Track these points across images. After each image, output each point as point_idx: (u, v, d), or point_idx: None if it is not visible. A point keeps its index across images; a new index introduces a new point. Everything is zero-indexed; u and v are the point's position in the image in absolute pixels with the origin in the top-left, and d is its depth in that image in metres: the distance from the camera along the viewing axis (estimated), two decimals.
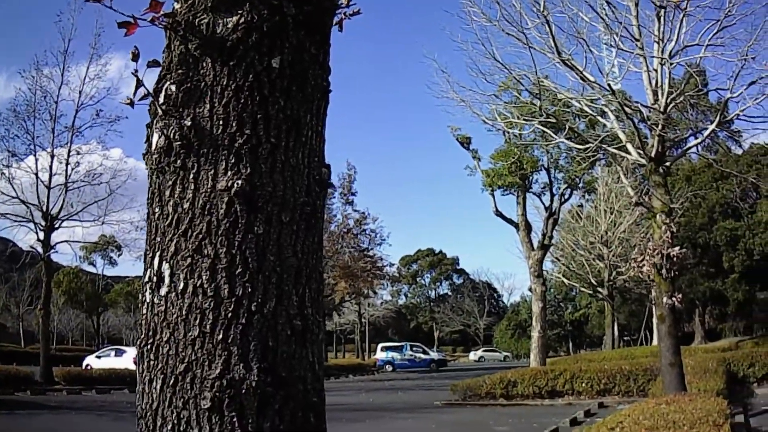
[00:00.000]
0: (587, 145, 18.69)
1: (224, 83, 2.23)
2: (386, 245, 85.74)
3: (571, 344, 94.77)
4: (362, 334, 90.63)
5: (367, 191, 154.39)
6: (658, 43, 17.68)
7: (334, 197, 55.19)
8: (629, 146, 17.57)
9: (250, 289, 2.15)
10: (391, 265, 68.89)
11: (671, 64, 17.70)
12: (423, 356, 60.98)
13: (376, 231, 58.98)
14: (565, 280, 52.97)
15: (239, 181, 2.19)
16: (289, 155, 2.29)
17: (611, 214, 44.20)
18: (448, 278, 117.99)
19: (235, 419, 2.10)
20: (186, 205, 2.23)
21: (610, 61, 18.09)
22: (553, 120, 19.13)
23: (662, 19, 17.62)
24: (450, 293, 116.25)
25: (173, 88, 2.28)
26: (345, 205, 56.90)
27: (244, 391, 2.11)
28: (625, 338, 78.26)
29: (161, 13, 2.26)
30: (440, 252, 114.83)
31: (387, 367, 58.60)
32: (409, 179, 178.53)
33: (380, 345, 65.66)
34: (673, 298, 16.24)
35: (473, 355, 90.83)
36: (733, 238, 53.72)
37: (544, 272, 40.07)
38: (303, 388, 2.23)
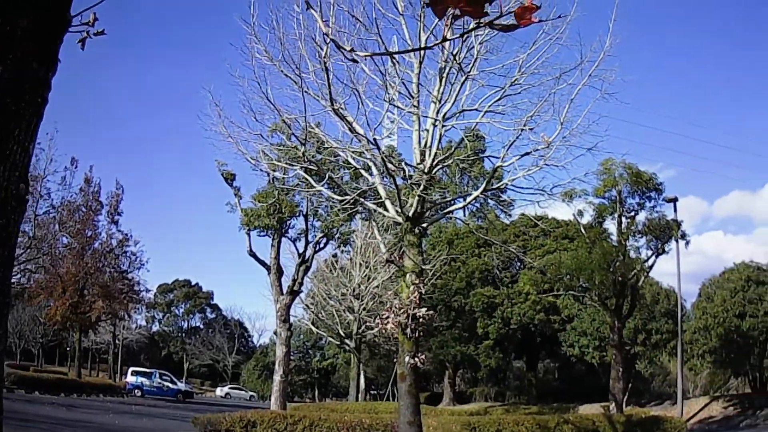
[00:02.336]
0: (346, 197, 19.31)
1: None
2: (145, 270, 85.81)
3: (317, 392, 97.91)
4: (116, 355, 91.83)
5: (133, 213, 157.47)
6: (434, 103, 18.63)
7: (101, 215, 54.84)
8: (388, 203, 18.41)
9: None
10: (148, 290, 68.86)
11: (444, 126, 18.62)
12: (171, 385, 62.19)
13: (137, 254, 59.37)
14: (314, 329, 54.54)
15: None
16: None
17: (366, 268, 46.08)
18: (202, 311, 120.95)
19: None
20: None
21: (385, 116, 18.84)
22: (315, 168, 19.66)
23: (444, 80, 18.68)
24: (202, 326, 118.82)
25: None
26: (110, 224, 56.11)
27: None
28: (372, 392, 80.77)
29: None
30: (196, 284, 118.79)
31: (136, 391, 59.14)
32: (176, 208, 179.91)
33: (131, 369, 66.62)
34: (416, 358, 17.21)
35: (220, 391, 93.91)
36: (491, 305, 56.87)
37: (294, 318, 41.00)
38: None
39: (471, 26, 2.85)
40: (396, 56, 18.60)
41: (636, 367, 58.61)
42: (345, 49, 3.81)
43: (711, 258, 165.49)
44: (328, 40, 12.76)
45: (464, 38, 18.10)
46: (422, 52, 18.76)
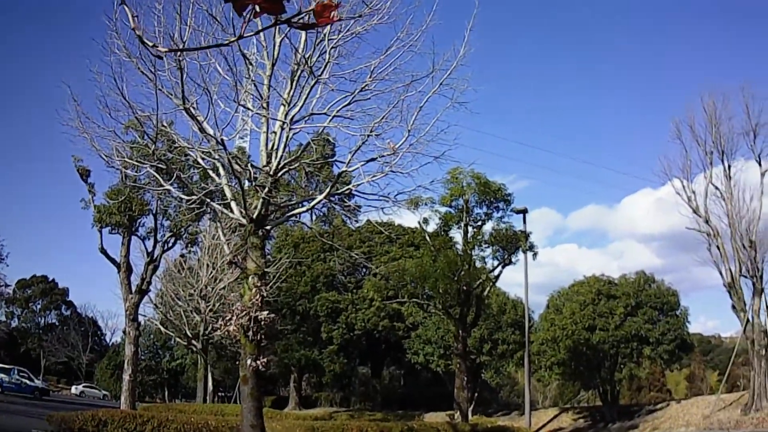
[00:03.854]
0: (193, 197, 19.84)
1: None
2: (5, 264, 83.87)
3: (167, 392, 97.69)
4: None
5: None
6: (284, 105, 19.21)
7: None
8: (233, 204, 18.92)
9: None
10: (8, 285, 66.88)
11: (292, 129, 19.19)
12: (28, 382, 61.45)
13: None
14: (163, 329, 54.20)
15: None
16: None
17: (213, 269, 46.17)
18: (58, 308, 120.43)
19: None
20: None
21: (236, 118, 19.33)
22: (165, 166, 19.94)
23: (295, 83, 19.27)
24: (58, 323, 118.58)
25: None
26: None
27: None
28: (220, 394, 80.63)
29: None
30: (53, 280, 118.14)
31: None
32: (34, 202, 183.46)
33: None
34: (258, 361, 17.76)
35: (75, 389, 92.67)
36: (335, 310, 57.70)
37: (143, 318, 40.75)
38: None
39: (270, 23, 2.99)
40: (249, 57, 19.18)
41: (482, 377, 59.84)
42: (148, 45, 4.08)
43: (564, 270, 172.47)
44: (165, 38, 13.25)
45: (317, 42, 18.80)
46: (275, 53, 19.34)
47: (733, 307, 39.57)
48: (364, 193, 20.91)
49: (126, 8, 4.22)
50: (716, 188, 40.98)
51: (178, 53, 14.61)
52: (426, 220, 42.05)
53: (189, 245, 44.67)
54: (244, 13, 2.71)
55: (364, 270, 59.67)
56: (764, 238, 39.49)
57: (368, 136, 18.93)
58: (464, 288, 40.09)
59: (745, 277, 39.21)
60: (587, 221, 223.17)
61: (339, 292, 59.02)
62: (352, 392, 73.23)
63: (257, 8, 2.64)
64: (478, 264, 42.29)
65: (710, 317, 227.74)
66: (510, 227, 42.00)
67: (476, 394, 51.01)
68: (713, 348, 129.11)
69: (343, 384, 69.97)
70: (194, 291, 46.25)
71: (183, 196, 20.46)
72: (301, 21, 2.86)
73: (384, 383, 75.17)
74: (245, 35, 3.26)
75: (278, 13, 2.71)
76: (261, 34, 18.52)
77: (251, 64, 19.38)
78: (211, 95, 17.27)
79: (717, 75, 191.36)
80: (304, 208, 21.88)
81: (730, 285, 39.38)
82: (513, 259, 42.78)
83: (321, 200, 20.80)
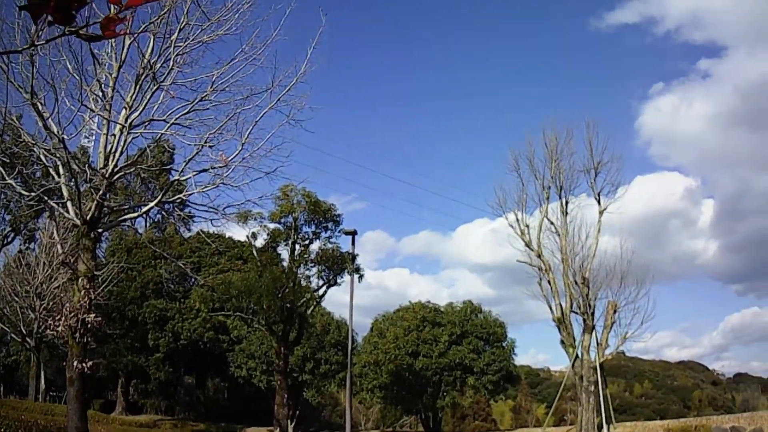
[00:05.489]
0: (31, 194, 19.57)
1: None
2: None
3: (2, 387, 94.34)
4: None
5: None
6: (126, 109, 19.28)
7: None
8: (69, 204, 18.94)
9: None
10: None
11: (131, 133, 19.28)
12: None
13: None
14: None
15: None
16: None
17: (49, 267, 45.25)
18: None
19: None
20: None
21: (80, 117, 19.16)
22: (8, 160, 19.55)
23: (138, 87, 19.31)
24: None
25: None
26: None
27: None
28: (52, 393, 78.13)
29: None
30: None
31: None
32: None
33: None
34: (83, 364, 17.74)
35: None
36: (163, 318, 57.05)
37: None
38: None
39: (59, 34, 3.01)
40: (98, 57, 19.02)
41: (304, 395, 60.06)
42: None
43: (394, 293, 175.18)
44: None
45: (163, 48, 18.69)
46: (123, 55, 19.09)
47: (562, 342, 39.73)
48: (194, 204, 21.03)
49: None
50: (551, 223, 40.91)
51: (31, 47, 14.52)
52: (255, 235, 42.44)
53: (27, 242, 43.55)
54: (39, 22, 2.82)
55: (193, 280, 59.20)
56: (598, 276, 39.65)
57: (203, 146, 19.06)
58: (288, 305, 40.51)
59: (576, 313, 39.38)
60: (420, 247, 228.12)
61: (167, 300, 58.38)
62: (177, 401, 72.27)
63: (50, 17, 2.73)
64: (303, 282, 42.60)
65: (541, 350, 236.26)
66: (337, 248, 42.54)
67: (297, 412, 51.08)
68: (542, 381, 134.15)
69: (169, 392, 69.01)
70: (30, 288, 45.20)
71: (23, 192, 20.06)
72: (88, 33, 3.01)
73: (208, 394, 74.62)
74: (37, 43, 3.60)
75: (68, 24, 2.79)
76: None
77: (99, 63, 19.28)
78: (57, 92, 17.35)
79: (570, 108, 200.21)
80: (136, 214, 21.98)
81: (560, 320, 39.36)
82: (338, 280, 43.16)
83: (153, 207, 20.94)
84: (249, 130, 19.26)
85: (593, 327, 38.95)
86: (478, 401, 69.02)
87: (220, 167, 19.08)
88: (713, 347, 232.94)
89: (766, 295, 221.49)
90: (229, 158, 18.91)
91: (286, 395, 41.33)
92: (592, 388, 37.89)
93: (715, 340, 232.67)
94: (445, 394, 52.21)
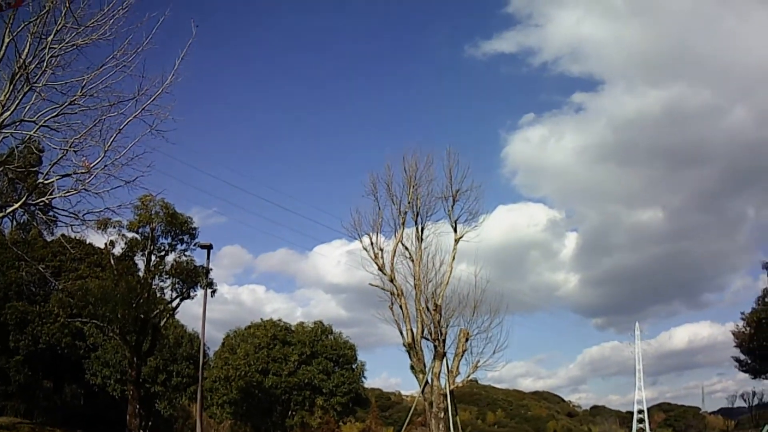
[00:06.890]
0: None
1: None
2: None
3: None
4: None
5: None
6: None
7: None
8: None
9: None
10: None
11: (1, 133, 19.14)
12: None
13: None
14: None
15: None
16: None
17: None
18: None
19: None
20: None
21: None
22: None
23: (12, 86, 19.01)
24: None
25: None
26: None
27: None
28: None
29: None
30: None
31: None
32: None
33: None
34: None
35: None
36: (23, 320, 56.67)
37: None
38: None
39: None
40: None
41: (156, 407, 60.21)
42: None
43: (249, 309, 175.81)
44: None
45: (38, 50, 18.14)
46: (1, 53, 20.07)
47: (412, 367, 39.49)
48: (56, 208, 21.11)
49: None
50: (406, 248, 40.74)
51: None
52: (113, 243, 42.76)
53: None
54: None
55: (54, 284, 59.27)
56: (450, 303, 39.48)
57: (67, 150, 19.18)
58: (142, 316, 41.14)
59: (427, 339, 39.25)
60: (277, 264, 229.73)
61: (28, 303, 58.42)
62: (36, 405, 71.84)
63: None
64: (158, 294, 43.10)
65: (393, 374, 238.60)
66: (192, 261, 43.13)
67: (150, 423, 51.64)
68: (393, 404, 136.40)
69: (28, 396, 68.64)
70: None
71: None
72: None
73: (66, 400, 74.22)
74: None
75: None
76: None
77: None
78: None
79: (438, 133, 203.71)
80: (1, 214, 22.00)
81: (410, 345, 39.26)
82: (192, 293, 43.56)
83: (16, 208, 21.04)
84: (113, 138, 19.28)
85: (444, 354, 39.01)
86: (328, 421, 70.48)
87: (83, 173, 19.06)
88: (569, 379, 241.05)
89: (626, 329, 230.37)
90: (92, 164, 19.02)
91: (138, 406, 41.75)
92: (442, 414, 38.10)
93: (572, 372, 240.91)
94: (294, 413, 53.54)
